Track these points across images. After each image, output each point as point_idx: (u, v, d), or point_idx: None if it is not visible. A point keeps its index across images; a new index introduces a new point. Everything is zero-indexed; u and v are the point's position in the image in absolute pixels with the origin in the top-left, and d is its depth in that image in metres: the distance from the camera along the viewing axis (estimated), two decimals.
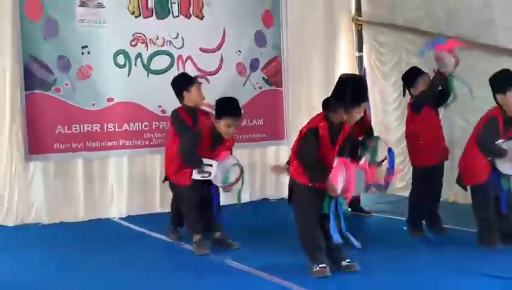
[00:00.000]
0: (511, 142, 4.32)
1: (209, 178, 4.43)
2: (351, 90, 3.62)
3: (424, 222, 4.98)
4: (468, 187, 4.57)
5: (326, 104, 4.53)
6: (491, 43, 5.96)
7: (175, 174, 4.72)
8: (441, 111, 5.11)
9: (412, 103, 4.94)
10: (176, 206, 5.09)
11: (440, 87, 4.75)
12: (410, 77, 5.06)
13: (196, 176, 4.44)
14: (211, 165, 4.40)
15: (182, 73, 5.63)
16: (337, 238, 3.69)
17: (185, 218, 4.72)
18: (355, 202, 5.81)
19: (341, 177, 3.54)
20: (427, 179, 4.86)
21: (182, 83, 5.06)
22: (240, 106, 4.52)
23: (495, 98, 4.40)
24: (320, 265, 3.69)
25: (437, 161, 4.85)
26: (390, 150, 4.64)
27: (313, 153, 3.70)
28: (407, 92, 5.10)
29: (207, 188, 4.59)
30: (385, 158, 4.61)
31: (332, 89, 3.79)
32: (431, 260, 4.16)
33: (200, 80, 5.50)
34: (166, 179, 5.07)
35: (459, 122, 6.19)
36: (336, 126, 3.74)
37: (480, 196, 4.43)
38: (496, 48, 5.88)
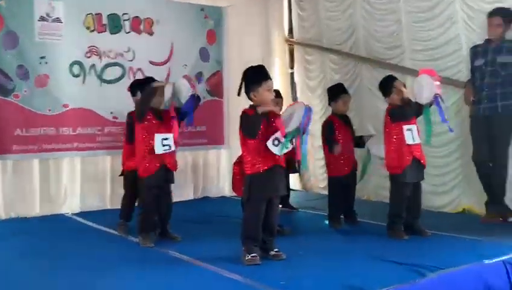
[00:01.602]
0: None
1: (171, 149, 4.33)
2: (248, 74, 3.82)
3: (342, 216, 5.17)
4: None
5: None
6: (399, 64, 6.21)
7: (138, 167, 4.51)
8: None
9: (325, 122, 5.29)
10: (126, 202, 5.03)
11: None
12: (333, 92, 5.26)
13: (159, 148, 4.26)
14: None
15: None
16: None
17: (140, 213, 4.53)
18: (284, 199, 5.92)
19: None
20: (341, 186, 5.11)
21: None
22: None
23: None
24: (251, 255, 3.74)
25: (348, 171, 5.09)
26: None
27: (252, 123, 3.70)
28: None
29: (165, 177, 4.47)
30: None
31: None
32: (346, 247, 4.31)
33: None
34: (122, 173, 5.04)
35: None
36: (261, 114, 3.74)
37: (397, 183, 4.54)
38: (402, 68, 6.13)
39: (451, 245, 4.25)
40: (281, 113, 4.03)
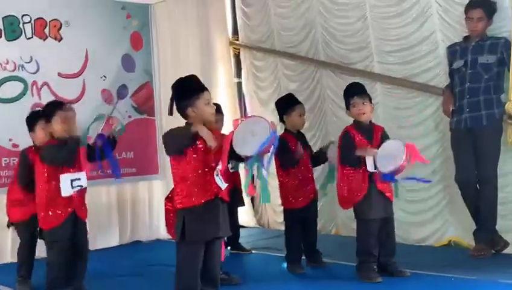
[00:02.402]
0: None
1: (82, 187, 4.33)
2: (180, 87, 3.87)
3: (303, 257, 5.18)
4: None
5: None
6: (366, 69, 6.33)
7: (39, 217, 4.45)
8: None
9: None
10: (25, 253, 4.93)
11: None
12: (284, 104, 5.31)
13: (66, 189, 4.25)
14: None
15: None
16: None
17: (48, 268, 4.42)
18: (233, 240, 5.92)
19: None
20: (299, 221, 5.14)
21: None
22: None
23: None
24: None
25: (307, 202, 5.13)
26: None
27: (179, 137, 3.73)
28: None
29: (74, 227, 4.39)
30: None
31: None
32: None
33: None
34: (10, 224, 4.96)
35: None
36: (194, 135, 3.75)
37: (361, 219, 4.64)
38: (370, 73, 6.25)
39: (435, 287, 4.28)
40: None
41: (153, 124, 7.29)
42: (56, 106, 4.56)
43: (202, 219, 3.73)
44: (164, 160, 7.10)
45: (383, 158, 4.50)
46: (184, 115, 3.83)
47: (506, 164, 5.24)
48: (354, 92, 4.81)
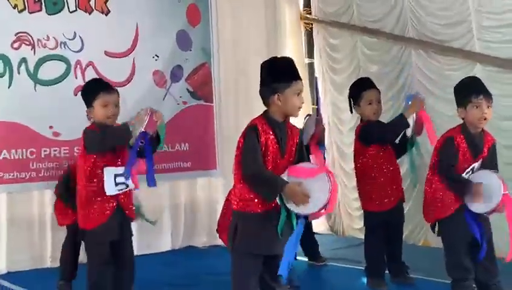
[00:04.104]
0: (481, 173, 4.43)
1: (127, 188, 4.37)
2: (271, 68, 3.79)
3: (387, 271, 5.11)
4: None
5: None
6: (464, 47, 6.17)
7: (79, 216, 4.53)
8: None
9: (360, 130, 5.09)
10: (68, 255, 5.07)
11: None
12: (354, 90, 5.19)
13: (111, 189, 4.30)
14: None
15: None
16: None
17: (90, 273, 4.47)
18: (311, 248, 6.00)
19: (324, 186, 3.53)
20: (382, 226, 5.01)
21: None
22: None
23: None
24: None
25: (393, 204, 4.99)
26: None
27: (258, 156, 3.64)
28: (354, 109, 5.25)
29: (120, 226, 4.43)
30: None
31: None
32: None
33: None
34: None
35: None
36: (279, 125, 3.73)
37: (448, 236, 4.49)
38: (469, 53, 6.09)
39: None
40: None
41: (211, 111, 7.34)
42: (97, 86, 4.55)
43: (258, 230, 3.70)
44: (224, 153, 7.15)
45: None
46: (267, 101, 3.77)
47: None
48: (480, 90, 4.48)
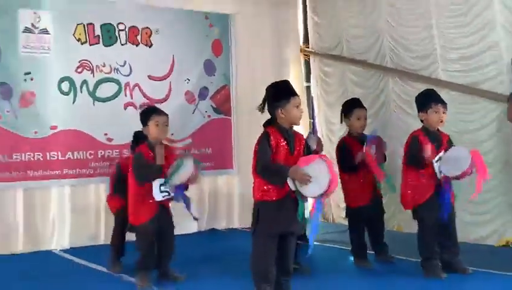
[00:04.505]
0: (453, 148, 4.52)
1: (170, 195, 4.41)
2: (273, 89, 3.84)
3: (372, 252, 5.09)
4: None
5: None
6: (431, 76, 6.15)
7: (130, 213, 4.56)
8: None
9: (338, 145, 5.20)
10: (118, 236, 5.07)
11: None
12: (347, 107, 5.22)
13: (158, 195, 4.36)
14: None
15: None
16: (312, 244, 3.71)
17: (139, 251, 4.51)
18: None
19: (322, 166, 3.55)
20: (361, 218, 5.02)
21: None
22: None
23: (419, 117, 4.65)
24: None
25: (367, 201, 4.97)
26: None
27: (267, 154, 3.69)
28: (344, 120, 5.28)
29: (165, 220, 4.50)
30: None
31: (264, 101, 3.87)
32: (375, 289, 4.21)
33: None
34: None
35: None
36: (286, 131, 3.77)
37: (422, 220, 4.49)
38: (435, 80, 6.06)
39: (496, 285, 4.14)
40: None
41: (230, 123, 7.34)
42: (151, 111, 4.61)
43: (274, 214, 3.71)
44: (239, 156, 7.18)
45: (448, 163, 4.38)
46: (273, 115, 3.82)
47: None
48: (438, 99, 4.61)
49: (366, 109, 5.26)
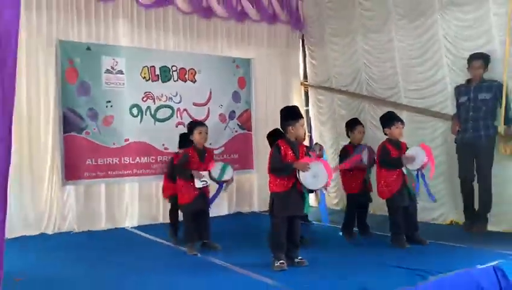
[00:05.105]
0: (411, 148, 4.47)
1: (207, 184, 4.41)
2: (287, 111, 3.86)
3: (357, 229, 5.04)
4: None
5: (271, 134, 4.54)
6: (397, 101, 6.13)
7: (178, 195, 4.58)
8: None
9: (341, 152, 5.11)
10: (173, 216, 5.10)
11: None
12: (350, 124, 5.15)
13: (198, 184, 4.37)
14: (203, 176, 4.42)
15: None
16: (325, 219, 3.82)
17: (183, 227, 4.58)
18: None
19: (320, 167, 3.59)
20: (355, 202, 4.97)
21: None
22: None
23: (384, 132, 4.62)
24: (280, 261, 3.68)
25: (360, 189, 4.89)
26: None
27: (277, 158, 3.71)
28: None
29: (203, 203, 4.49)
30: None
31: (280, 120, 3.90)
32: (359, 256, 4.17)
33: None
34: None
35: None
36: (292, 143, 3.78)
37: (392, 207, 4.47)
38: (399, 105, 6.03)
39: (446, 252, 4.10)
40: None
41: (251, 137, 7.31)
42: (196, 124, 4.66)
43: (284, 201, 3.72)
44: (257, 159, 7.16)
45: (409, 161, 4.36)
46: (285, 130, 3.82)
47: (499, 167, 4.95)
48: (398, 118, 4.61)
49: (363, 126, 5.17)
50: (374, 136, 6.27)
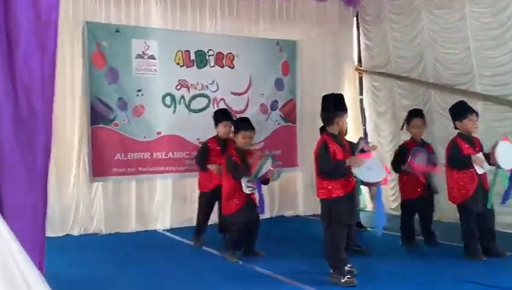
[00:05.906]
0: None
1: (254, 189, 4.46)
2: (336, 101, 3.87)
3: (422, 237, 4.98)
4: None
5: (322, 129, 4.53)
6: (468, 89, 5.96)
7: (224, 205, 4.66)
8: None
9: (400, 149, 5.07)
10: (200, 216, 5.19)
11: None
12: (409, 116, 5.10)
13: (246, 189, 4.44)
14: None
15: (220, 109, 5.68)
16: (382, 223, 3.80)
17: (230, 235, 4.63)
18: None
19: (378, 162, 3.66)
20: (412, 208, 4.90)
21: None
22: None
23: (455, 125, 4.52)
24: (346, 276, 3.66)
25: (418, 194, 4.82)
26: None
27: (327, 158, 3.71)
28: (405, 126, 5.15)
29: (252, 213, 4.53)
30: None
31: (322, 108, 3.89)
32: (422, 267, 4.13)
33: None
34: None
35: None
36: (337, 137, 3.81)
37: (465, 213, 4.38)
38: (473, 93, 5.87)
39: None
40: None
41: (295, 130, 7.30)
42: (241, 127, 4.68)
43: (346, 207, 3.69)
44: (302, 156, 7.13)
45: (503, 157, 4.20)
46: (330, 122, 3.82)
47: None
48: (472, 109, 4.51)
49: (423, 120, 5.09)
50: (444, 129, 6.12)
